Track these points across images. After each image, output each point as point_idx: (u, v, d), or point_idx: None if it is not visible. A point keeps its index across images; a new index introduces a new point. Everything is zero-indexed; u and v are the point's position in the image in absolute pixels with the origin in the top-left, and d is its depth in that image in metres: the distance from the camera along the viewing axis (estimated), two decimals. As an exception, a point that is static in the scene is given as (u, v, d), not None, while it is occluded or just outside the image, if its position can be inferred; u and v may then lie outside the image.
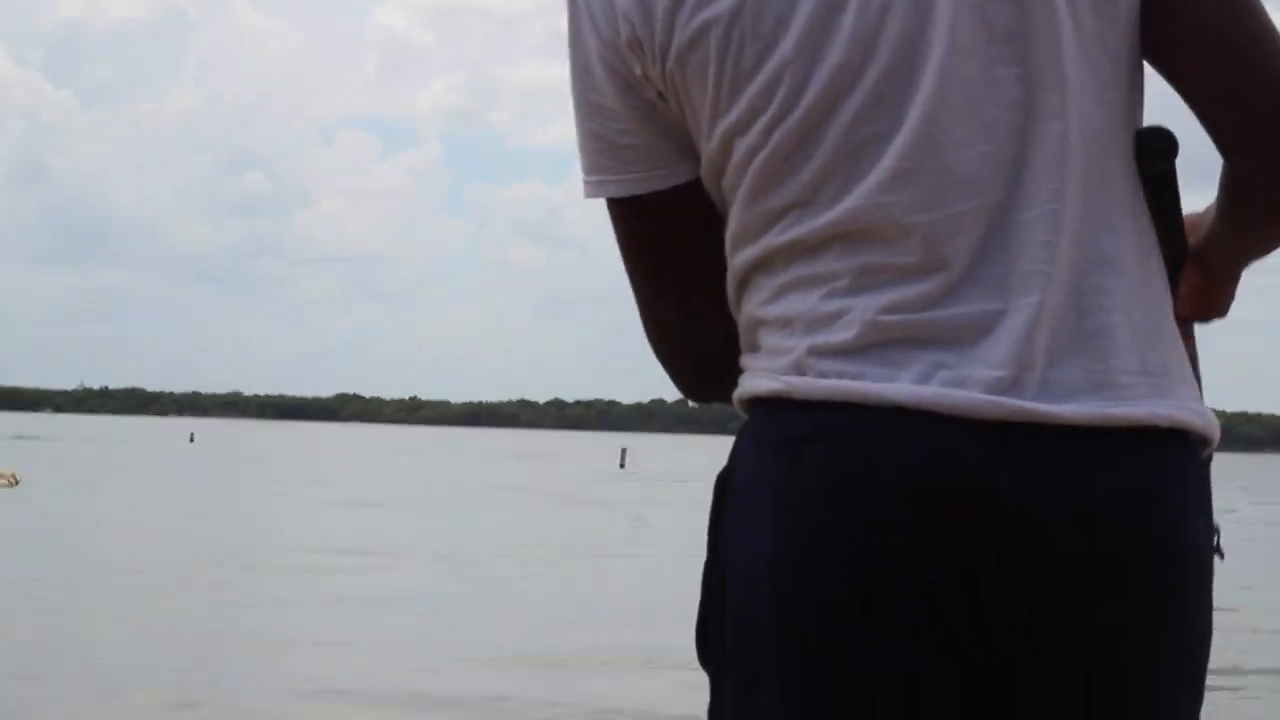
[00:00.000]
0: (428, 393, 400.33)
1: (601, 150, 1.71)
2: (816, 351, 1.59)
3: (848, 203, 1.59)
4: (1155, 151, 1.62)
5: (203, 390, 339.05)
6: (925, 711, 1.54)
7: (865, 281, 1.59)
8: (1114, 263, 1.58)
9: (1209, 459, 1.63)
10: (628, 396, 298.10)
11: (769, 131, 1.61)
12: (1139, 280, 1.60)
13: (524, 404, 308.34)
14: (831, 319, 1.59)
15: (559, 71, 1.74)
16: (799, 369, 1.60)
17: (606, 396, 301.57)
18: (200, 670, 10.40)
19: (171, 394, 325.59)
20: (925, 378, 1.55)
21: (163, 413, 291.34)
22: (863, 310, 1.58)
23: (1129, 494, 1.54)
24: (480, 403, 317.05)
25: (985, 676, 1.55)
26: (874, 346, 1.57)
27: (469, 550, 20.29)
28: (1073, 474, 1.52)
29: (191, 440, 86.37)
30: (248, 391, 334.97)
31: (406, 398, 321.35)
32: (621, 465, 60.51)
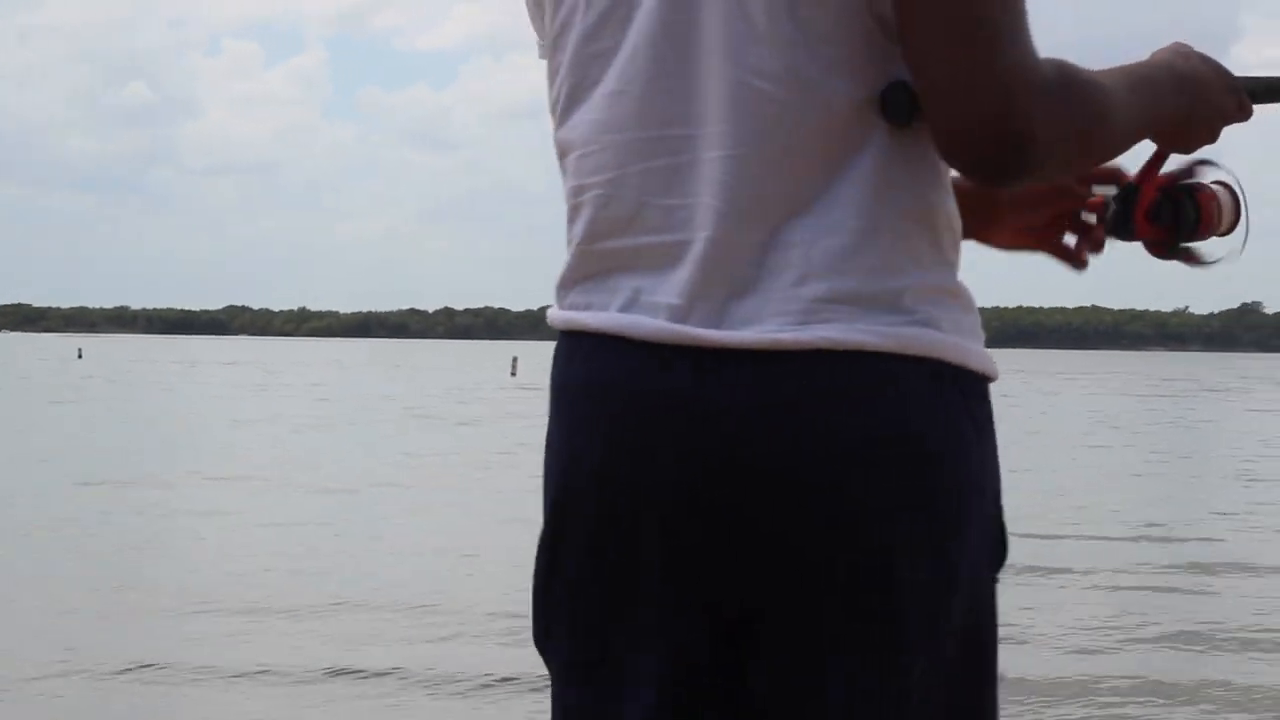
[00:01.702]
0: (317, 303, 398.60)
1: (533, 17, 1.84)
2: (560, 283, 1.77)
3: (572, 118, 1.74)
4: (899, 104, 1.67)
5: (90, 305, 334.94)
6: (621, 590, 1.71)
7: (575, 206, 1.75)
8: (800, 201, 1.65)
9: (938, 377, 1.66)
10: (517, 304, 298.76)
11: (555, 40, 1.77)
12: (831, 217, 1.65)
13: (413, 313, 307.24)
14: (568, 246, 1.76)
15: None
16: (557, 299, 1.78)
17: (496, 304, 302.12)
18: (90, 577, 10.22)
19: (59, 309, 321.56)
20: (628, 304, 1.69)
21: (50, 329, 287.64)
22: (575, 238, 1.75)
23: (782, 408, 1.63)
24: (369, 312, 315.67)
25: (695, 566, 1.67)
26: (595, 275, 1.73)
27: (346, 475, 20.04)
28: (737, 396, 1.63)
29: (80, 356, 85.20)
30: (135, 305, 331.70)
31: (295, 309, 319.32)
32: (513, 374, 60.32)
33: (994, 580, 1.73)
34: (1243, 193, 1.99)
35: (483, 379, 57.59)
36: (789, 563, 1.64)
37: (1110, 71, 1.72)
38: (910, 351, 1.64)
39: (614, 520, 1.70)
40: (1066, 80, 1.62)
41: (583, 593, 1.73)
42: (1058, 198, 2.01)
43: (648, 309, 1.68)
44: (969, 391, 1.68)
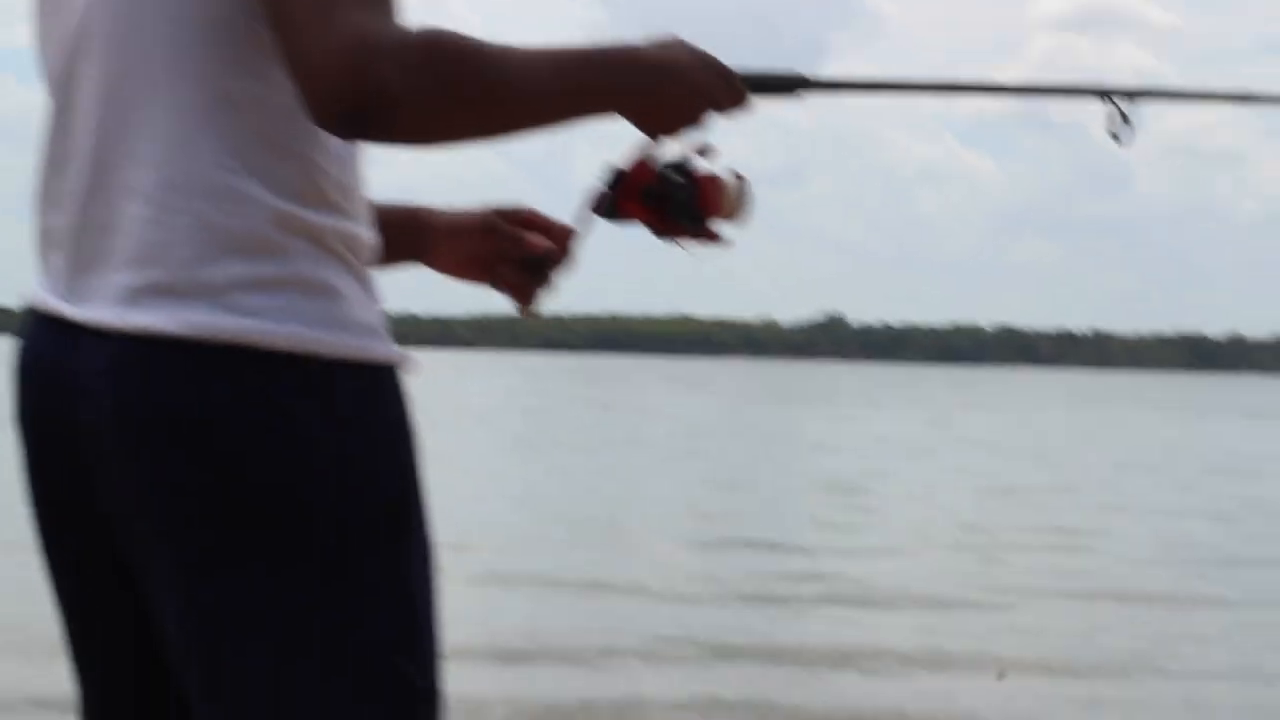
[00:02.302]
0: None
1: None
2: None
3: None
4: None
5: None
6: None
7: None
8: (133, 189, 1.78)
9: (244, 363, 1.75)
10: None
11: None
12: (159, 207, 1.76)
13: None
14: None
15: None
16: None
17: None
18: None
19: None
20: (47, 283, 1.88)
21: None
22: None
23: (105, 378, 1.78)
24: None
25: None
26: (41, 252, 1.92)
27: None
28: (81, 364, 1.80)
29: None
30: None
31: None
32: None
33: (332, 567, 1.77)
34: (747, 181, 2.09)
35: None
36: (121, 513, 1.83)
37: (533, 49, 1.81)
38: (209, 338, 1.74)
39: (33, 463, 1.93)
40: (439, 45, 1.72)
41: (39, 531, 1.96)
42: (486, 232, 2.22)
43: (47, 285, 1.88)
44: (283, 376, 1.75)
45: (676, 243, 2.09)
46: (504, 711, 7.45)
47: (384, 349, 1.82)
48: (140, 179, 1.77)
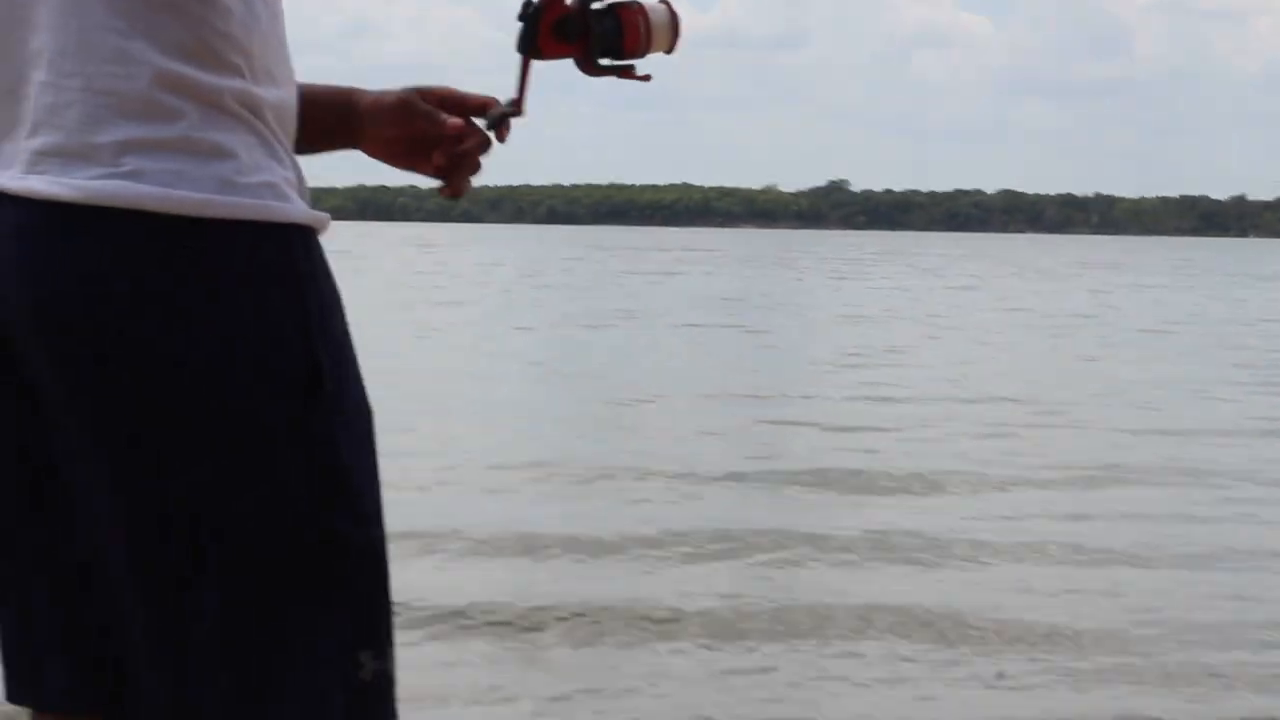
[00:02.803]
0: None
1: None
2: None
3: None
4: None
5: None
6: None
7: None
8: (36, 55, 1.77)
9: (134, 226, 1.74)
10: None
11: None
12: (55, 72, 1.76)
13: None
14: None
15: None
16: None
17: None
18: None
19: None
20: None
21: None
22: None
23: (5, 243, 1.77)
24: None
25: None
26: None
27: None
28: None
29: None
30: None
31: None
32: None
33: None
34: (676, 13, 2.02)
35: None
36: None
37: None
38: (101, 202, 1.73)
39: None
40: None
41: None
42: (404, 113, 2.14)
43: None
44: (178, 240, 1.73)
45: (611, 75, 2.01)
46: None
47: (285, 209, 1.79)
48: (40, 43, 1.76)
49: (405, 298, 31.61)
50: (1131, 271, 60.47)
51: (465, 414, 14.63)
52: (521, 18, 1.99)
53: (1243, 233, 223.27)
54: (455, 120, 2.12)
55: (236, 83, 1.78)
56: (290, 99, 1.87)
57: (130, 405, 1.74)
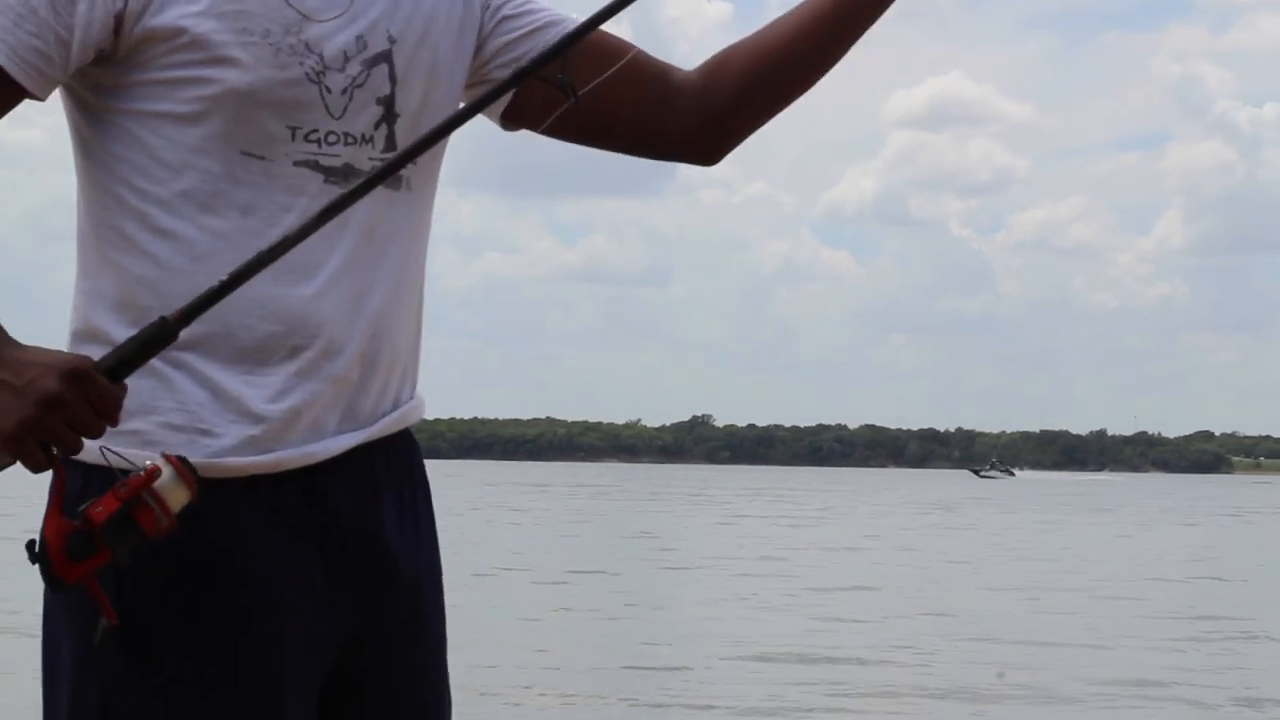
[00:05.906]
0: None
1: None
2: None
3: None
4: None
5: None
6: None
7: None
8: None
9: None
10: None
11: None
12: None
13: None
14: None
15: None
16: None
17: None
18: None
19: None
20: None
21: None
22: None
23: None
24: None
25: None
26: None
27: None
28: None
29: None
30: None
31: None
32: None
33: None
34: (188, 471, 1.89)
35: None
36: None
37: None
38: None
39: None
40: None
41: None
42: None
43: None
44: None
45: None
46: None
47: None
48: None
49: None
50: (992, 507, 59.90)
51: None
52: (33, 561, 1.87)
53: (1101, 467, 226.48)
54: None
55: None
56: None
57: None
